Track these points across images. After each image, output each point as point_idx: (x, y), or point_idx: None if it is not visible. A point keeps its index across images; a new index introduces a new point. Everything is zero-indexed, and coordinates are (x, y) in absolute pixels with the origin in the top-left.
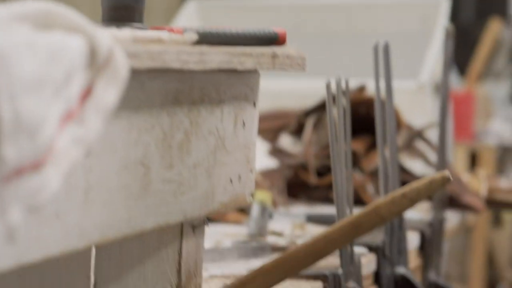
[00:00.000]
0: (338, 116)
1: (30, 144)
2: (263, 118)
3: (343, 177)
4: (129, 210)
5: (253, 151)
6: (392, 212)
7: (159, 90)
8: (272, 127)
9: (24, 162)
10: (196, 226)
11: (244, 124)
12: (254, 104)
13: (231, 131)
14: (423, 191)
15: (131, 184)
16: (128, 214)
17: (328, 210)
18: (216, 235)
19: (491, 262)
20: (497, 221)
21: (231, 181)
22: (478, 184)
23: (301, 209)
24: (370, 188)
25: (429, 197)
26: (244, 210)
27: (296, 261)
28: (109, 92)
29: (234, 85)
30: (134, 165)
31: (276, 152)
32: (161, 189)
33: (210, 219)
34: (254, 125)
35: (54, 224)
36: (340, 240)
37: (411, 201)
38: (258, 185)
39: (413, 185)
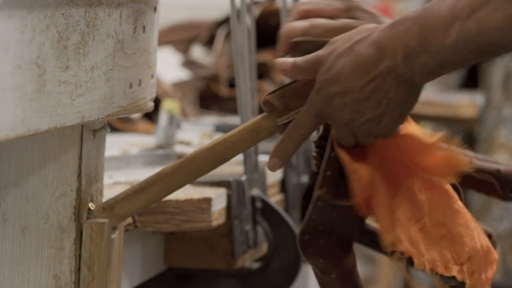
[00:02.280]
0: (243, 29)
1: None
2: (174, 30)
3: (247, 89)
4: (24, 110)
5: (154, 56)
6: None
7: None
8: (183, 38)
9: None
10: (96, 130)
11: (144, 28)
12: (155, 9)
13: (131, 35)
14: None
15: (26, 85)
16: (22, 114)
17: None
18: (124, 144)
19: None
20: None
21: (131, 85)
22: None
23: (211, 120)
24: None
25: None
26: (153, 120)
27: (196, 165)
28: None
29: None
30: (28, 65)
31: (188, 63)
32: (57, 90)
33: (119, 128)
34: (155, 29)
35: None
36: (240, 144)
37: None
38: (169, 97)
39: None
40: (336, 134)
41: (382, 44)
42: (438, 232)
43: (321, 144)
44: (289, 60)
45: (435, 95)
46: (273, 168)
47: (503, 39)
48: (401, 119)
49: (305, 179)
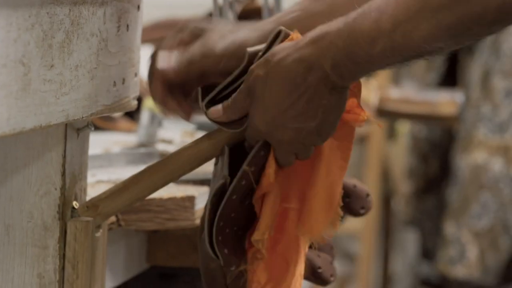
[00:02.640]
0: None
1: None
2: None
3: None
4: (9, 109)
5: (137, 54)
6: None
7: None
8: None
9: None
10: (80, 129)
11: (128, 27)
12: (138, 7)
13: (115, 34)
14: None
15: (11, 83)
16: (7, 113)
17: None
18: (106, 143)
19: (386, 175)
20: (391, 133)
21: (114, 84)
22: (369, 93)
23: (192, 118)
24: None
25: None
26: (135, 119)
27: (180, 164)
28: None
29: None
30: (13, 63)
31: None
32: (42, 89)
33: (100, 127)
34: (138, 28)
35: None
36: (223, 143)
37: None
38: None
39: None
40: (277, 155)
41: (308, 60)
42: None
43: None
44: (218, 107)
45: (414, 93)
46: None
47: (429, 47)
48: (337, 122)
49: None
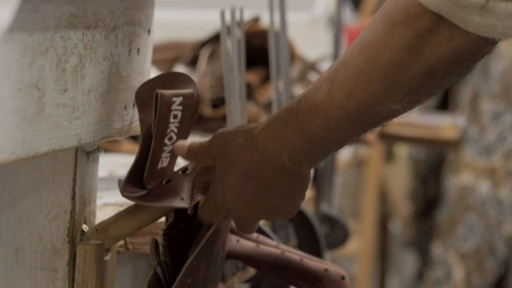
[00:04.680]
0: (232, 47)
1: None
2: (158, 49)
3: (237, 109)
4: (23, 133)
5: (147, 78)
6: None
7: (53, 13)
8: (166, 58)
9: None
10: (90, 152)
11: (138, 50)
12: (149, 31)
13: (126, 57)
14: None
15: (26, 107)
16: (22, 137)
17: None
18: (110, 165)
19: (383, 197)
20: (389, 156)
21: (125, 107)
22: None
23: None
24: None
25: None
26: (137, 140)
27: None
28: (1, 12)
29: (129, 11)
30: (28, 88)
31: None
32: (55, 113)
33: (104, 149)
34: (148, 52)
35: None
36: None
37: None
38: None
39: None
40: (237, 227)
41: (264, 148)
42: None
43: (169, 234)
44: (184, 143)
45: (416, 117)
46: None
47: (385, 110)
48: (299, 200)
49: None
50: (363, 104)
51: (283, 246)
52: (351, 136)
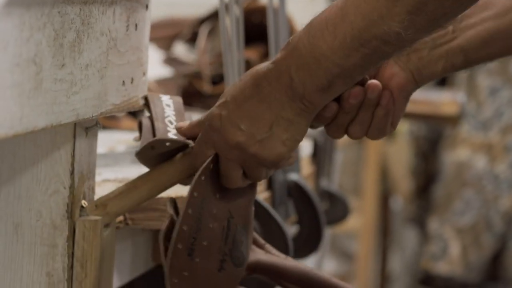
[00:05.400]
0: (231, 25)
1: None
2: (156, 27)
3: None
4: (22, 108)
5: (145, 54)
6: None
7: None
8: (166, 35)
9: None
10: (88, 128)
11: (136, 26)
12: (147, 7)
13: (124, 33)
14: None
15: (23, 82)
16: (20, 112)
17: None
18: (109, 142)
19: (384, 174)
20: None
21: (123, 83)
22: None
23: (195, 117)
24: None
25: None
26: (137, 118)
27: (188, 164)
28: None
29: None
30: (26, 63)
31: (170, 60)
32: (53, 88)
33: (104, 125)
34: (146, 27)
35: None
36: None
37: None
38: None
39: None
40: (223, 168)
41: (277, 61)
42: None
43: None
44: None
45: (416, 93)
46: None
47: (386, 29)
48: (287, 147)
49: (291, 176)
50: (367, 20)
51: (309, 267)
52: (354, 65)
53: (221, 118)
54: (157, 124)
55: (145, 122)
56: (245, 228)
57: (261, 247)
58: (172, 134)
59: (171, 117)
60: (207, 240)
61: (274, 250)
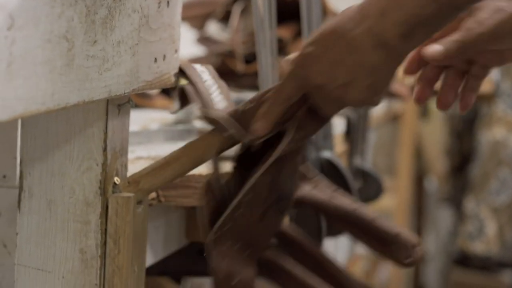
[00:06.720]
0: (263, 3)
1: None
2: (190, 5)
3: (268, 64)
4: (53, 84)
5: (177, 31)
6: None
7: None
8: (199, 14)
9: None
10: (121, 105)
11: (168, 3)
12: None
13: (155, 10)
14: None
15: (55, 59)
16: (52, 88)
17: None
18: (143, 120)
19: (419, 153)
20: (424, 111)
21: (155, 60)
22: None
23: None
24: None
25: None
26: (171, 96)
27: (221, 140)
28: None
29: None
30: (57, 39)
31: (203, 39)
32: (85, 64)
33: (137, 104)
34: (178, 4)
35: None
36: None
37: None
38: None
39: None
40: (313, 100)
41: (363, 7)
42: None
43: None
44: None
45: None
46: (257, 131)
47: None
48: (372, 91)
49: (324, 154)
50: None
51: (358, 204)
52: (431, 14)
53: (306, 57)
54: (199, 87)
55: (187, 88)
56: (291, 177)
57: (310, 181)
58: (214, 96)
59: (209, 81)
60: (252, 193)
61: (323, 183)
